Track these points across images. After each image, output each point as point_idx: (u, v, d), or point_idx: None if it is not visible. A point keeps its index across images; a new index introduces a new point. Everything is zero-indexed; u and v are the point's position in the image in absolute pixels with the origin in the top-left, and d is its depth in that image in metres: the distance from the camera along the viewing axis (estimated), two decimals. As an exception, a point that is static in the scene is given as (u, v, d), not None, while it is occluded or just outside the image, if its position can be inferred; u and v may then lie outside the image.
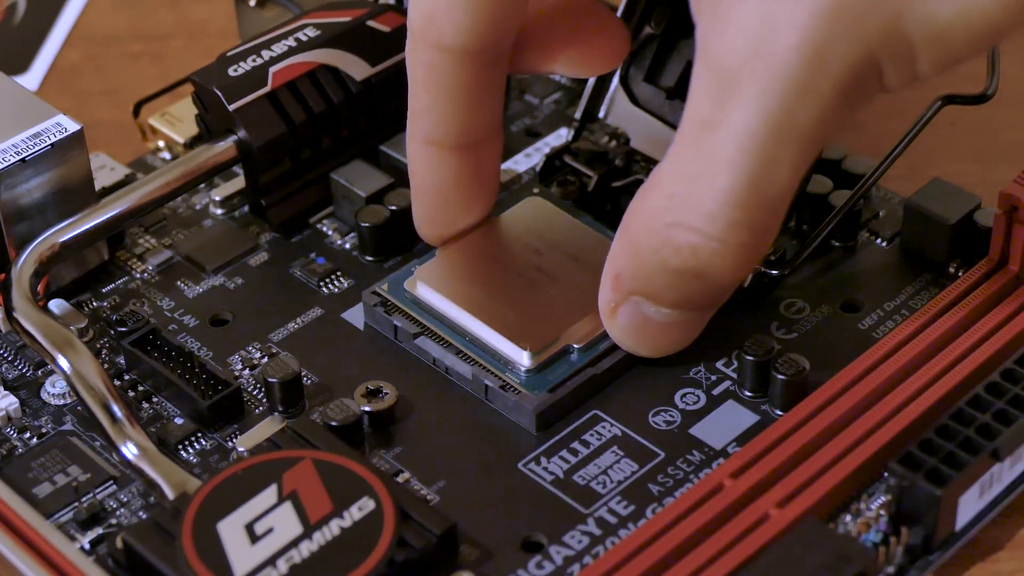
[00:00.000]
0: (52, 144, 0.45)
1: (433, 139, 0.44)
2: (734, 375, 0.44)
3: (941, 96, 0.45)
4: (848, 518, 0.40)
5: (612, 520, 0.40)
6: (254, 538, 0.38)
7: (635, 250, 0.40)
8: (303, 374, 0.44)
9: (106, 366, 0.45)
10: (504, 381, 0.43)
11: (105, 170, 0.51)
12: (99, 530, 0.41)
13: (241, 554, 0.38)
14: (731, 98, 0.37)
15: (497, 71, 0.43)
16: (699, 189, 0.38)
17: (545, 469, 0.42)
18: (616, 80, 0.49)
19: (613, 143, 0.49)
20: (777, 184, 0.38)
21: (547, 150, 0.50)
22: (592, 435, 0.43)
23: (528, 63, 0.45)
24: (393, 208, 0.48)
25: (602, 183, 0.48)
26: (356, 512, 0.38)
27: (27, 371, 0.45)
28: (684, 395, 0.44)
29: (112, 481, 0.42)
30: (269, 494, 0.39)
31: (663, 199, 0.39)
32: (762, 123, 0.37)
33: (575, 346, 0.43)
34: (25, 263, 0.44)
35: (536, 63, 0.45)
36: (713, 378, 0.44)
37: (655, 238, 0.39)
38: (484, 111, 0.44)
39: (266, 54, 0.49)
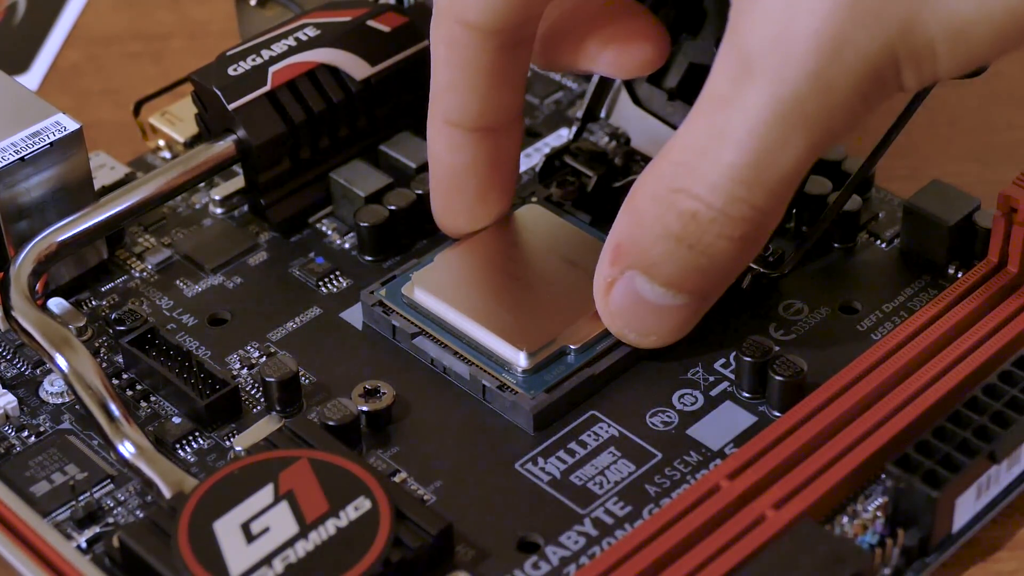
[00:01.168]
0: (51, 143, 0.45)
1: (451, 119, 0.44)
2: (732, 376, 0.44)
3: None
4: (845, 520, 0.40)
5: (609, 521, 0.40)
6: (250, 537, 0.38)
7: (638, 217, 0.40)
8: (301, 373, 0.44)
9: (104, 365, 0.45)
10: (501, 381, 0.43)
11: (105, 169, 0.51)
12: (96, 529, 0.41)
13: (237, 553, 0.38)
14: (747, 80, 0.37)
15: (519, 56, 0.43)
16: (706, 161, 0.38)
17: (542, 469, 0.42)
18: (619, 80, 0.49)
19: (613, 143, 0.49)
20: (780, 169, 0.38)
21: (547, 150, 0.50)
22: (589, 436, 0.43)
23: (567, 61, 0.45)
24: (392, 208, 0.48)
25: (602, 183, 0.48)
26: (352, 512, 0.38)
27: (26, 369, 0.45)
28: (682, 396, 0.43)
29: (109, 480, 0.42)
30: (265, 493, 0.39)
31: (670, 166, 0.39)
32: (772, 108, 0.37)
33: (572, 347, 0.43)
34: (24, 262, 0.44)
35: (575, 61, 0.45)
36: (711, 379, 0.44)
37: (659, 204, 0.39)
38: (503, 96, 0.44)
39: (266, 54, 0.49)
